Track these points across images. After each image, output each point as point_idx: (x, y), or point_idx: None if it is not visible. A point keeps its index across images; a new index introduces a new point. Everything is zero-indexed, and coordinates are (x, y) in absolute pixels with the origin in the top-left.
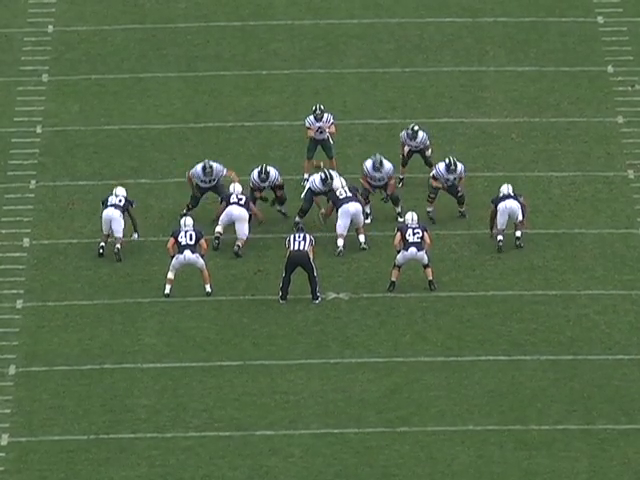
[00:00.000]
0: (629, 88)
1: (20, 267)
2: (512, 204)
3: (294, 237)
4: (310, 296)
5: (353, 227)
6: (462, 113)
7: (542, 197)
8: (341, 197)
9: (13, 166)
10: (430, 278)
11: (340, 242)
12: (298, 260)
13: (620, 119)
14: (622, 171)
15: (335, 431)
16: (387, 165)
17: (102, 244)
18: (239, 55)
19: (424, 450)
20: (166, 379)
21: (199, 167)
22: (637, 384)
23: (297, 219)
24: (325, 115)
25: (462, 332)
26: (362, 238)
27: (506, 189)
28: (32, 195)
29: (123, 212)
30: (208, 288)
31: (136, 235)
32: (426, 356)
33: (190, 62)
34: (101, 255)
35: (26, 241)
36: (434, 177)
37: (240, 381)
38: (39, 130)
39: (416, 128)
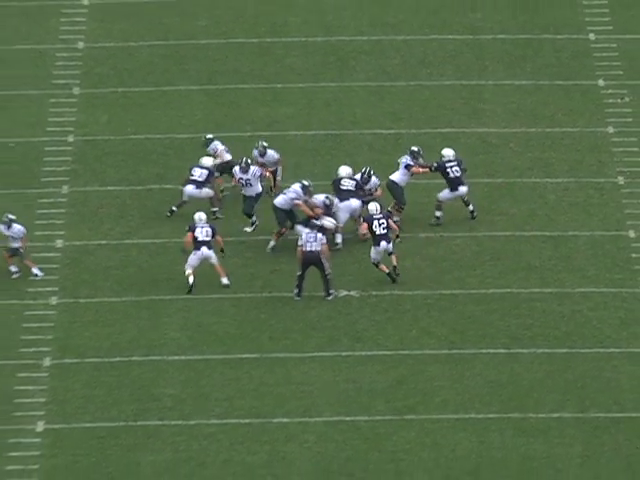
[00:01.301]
0: (619, 100)
1: (54, 266)
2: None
3: (306, 237)
4: (323, 293)
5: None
6: (463, 124)
7: (538, 202)
8: (344, 190)
9: (46, 173)
10: (395, 264)
11: (339, 238)
12: (311, 260)
13: (610, 129)
14: (612, 178)
15: (346, 419)
16: (373, 179)
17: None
18: (256, 69)
19: (429, 436)
20: (189, 370)
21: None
22: (627, 375)
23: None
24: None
25: (464, 327)
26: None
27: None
28: (64, 200)
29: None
30: (226, 280)
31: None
32: (431, 349)
33: (211, 76)
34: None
35: (59, 242)
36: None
37: (258, 372)
38: (71, 139)
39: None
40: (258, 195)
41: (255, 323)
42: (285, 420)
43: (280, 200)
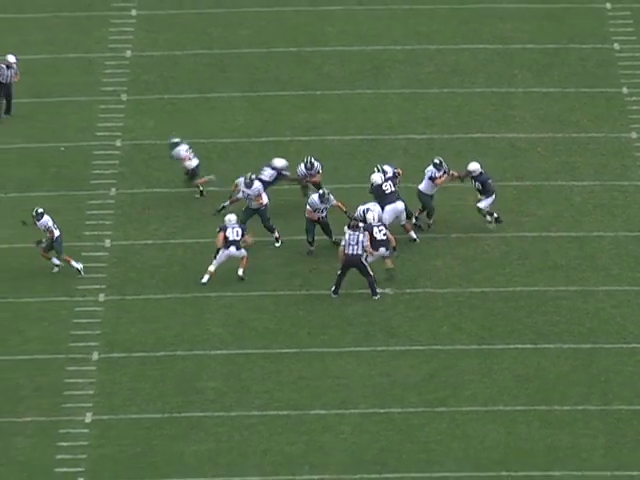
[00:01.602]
0: None
1: (102, 265)
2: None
3: (348, 240)
4: (365, 291)
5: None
6: (493, 129)
7: (564, 204)
8: (388, 194)
9: (95, 176)
10: (391, 266)
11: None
12: (352, 263)
13: (634, 135)
14: (636, 181)
15: (381, 411)
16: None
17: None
18: (296, 77)
19: (459, 428)
20: (231, 364)
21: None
22: None
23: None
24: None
25: (493, 323)
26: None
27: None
28: (112, 201)
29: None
30: (241, 272)
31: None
32: (461, 344)
33: (252, 83)
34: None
35: (107, 242)
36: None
37: (297, 366)
38: (118, 144)
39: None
40: (266, 206)
41: (294, 319)
42: (322, 412)
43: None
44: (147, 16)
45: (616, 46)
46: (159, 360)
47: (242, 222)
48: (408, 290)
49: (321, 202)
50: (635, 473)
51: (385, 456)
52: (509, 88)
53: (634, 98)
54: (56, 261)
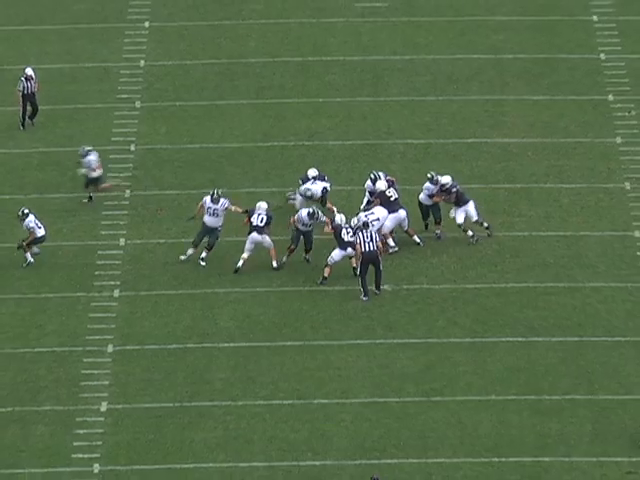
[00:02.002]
0: (626, 114)
1: (117, 262)
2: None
3: (363, 238)
4: (374, 288)
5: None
6: (486, 134)
7: (553, 205)
8: (392, 202)
9: (111, 178)
10: (354, 265)
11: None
12: (370, 259)
13: (619, 140)
14: (620, 183)
15: (380, 400)
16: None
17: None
18: (299, 85)
19: (454, 416)
20: (238, 356)
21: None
22: (632, 361)
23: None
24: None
25: (486, 318)
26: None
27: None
28: (127, 202)
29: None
30: (275, 264)
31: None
32: (456, 338)
33: (258, 91)
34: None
35: (122, 241)
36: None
37: (300, 358)
38: (133, 148)
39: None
40: (219, 229)
41: (298, 314)
42: (324, 401)
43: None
44: (159, 28)
45: (602, 56)
46: (170, 352)
47: (211, 246)
48: (405, 286)
49: (309, 219)
50: (619, 459)
51: (384, 443)
52: (501, 96)
53: (619, 105)
54: (30, 257)
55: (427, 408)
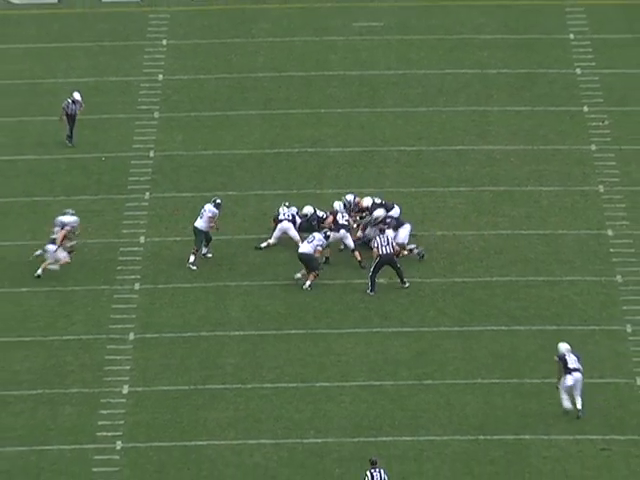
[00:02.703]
0: (600, 123)
1: (137, 259)
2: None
3: (380, 242)
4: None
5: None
6: (473, 142)
7: (534, 206)
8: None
9: (132, 182)
10: (360, 259)
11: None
12: (387, 261)
13: (593, 147)
14: (594, 186)
15: (376, 383)
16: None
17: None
18: (303, 98)
19: (443, 398)
20: (247, 344)
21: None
22: (606, 349)
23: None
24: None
25: (473, 309)
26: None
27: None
28: (146, 204)
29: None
30: (307, 284)
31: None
32: (445, 327)
33: (266, 103)
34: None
35: (142, 239)
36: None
37: (304, 345)
38: (152, 154)
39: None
40: (206, 232)
41: (302, 305)
42: (326, 384)
43: (306, 249)
44: (176, 45)
45: (578, 71)
46: (186, 340)
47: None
48: (399, 280)
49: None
50: (594, 437)
51: (380, 422)
52: (486, 107)
53: (593, 115)
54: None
55: (419, 390)
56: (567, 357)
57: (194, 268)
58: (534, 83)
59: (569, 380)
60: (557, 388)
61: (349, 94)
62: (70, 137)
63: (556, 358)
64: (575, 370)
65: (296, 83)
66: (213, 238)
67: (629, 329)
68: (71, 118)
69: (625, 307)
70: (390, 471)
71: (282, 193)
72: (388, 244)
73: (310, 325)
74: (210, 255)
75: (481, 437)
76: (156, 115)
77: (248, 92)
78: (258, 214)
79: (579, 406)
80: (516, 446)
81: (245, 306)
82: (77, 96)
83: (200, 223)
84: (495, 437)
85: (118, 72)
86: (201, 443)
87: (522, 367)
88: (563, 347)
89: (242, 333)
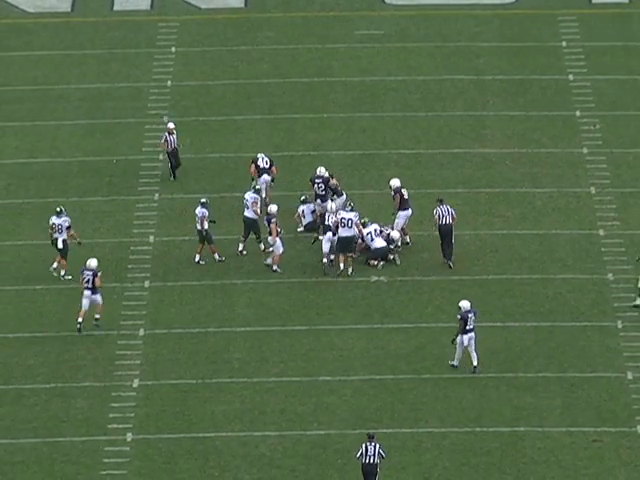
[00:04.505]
0: (592, 127)
1: (147, 257)
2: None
3: (440, 212)
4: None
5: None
6: (469, 145)
7: (528, 207)
8: (406, 200)
9: (142, 183)
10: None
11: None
12: (446, 232)
13: (585, 150)
14: (586, 188)
15: (376, 377)
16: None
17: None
18: (307, 103)
19: (441, 391)
20: (253, 339)
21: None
22: (597, 344)
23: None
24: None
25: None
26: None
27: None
28: (156, 204)
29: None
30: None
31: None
32: (443, 323)
33: (271, 108)
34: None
35: (151, 238)
36: None
37: (307, 340)
38: (161, 157)
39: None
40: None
41: (305, 302)
42: (328, 378)
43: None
44: (185, 52)
45: (570, 77)
46: (194, 335)
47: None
48: (399, 278)
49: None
50: (586, 429)
51: (380, 415)
52: (482, 112)
53: (585, 120)
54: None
55: (418, 384)
56: (468, 317)
57: (244, 253)
58: (528, 89)
59: (465, 340)
60: (453, 342)
61: (350, 99)
62: (174, 174)
63: (458, 316)
64: (470, 330)
65: (299, 89)
66: (218, 238)
67: (620, 325)
68: (173, 154)
69: (616, 304)
70: (390, 461)
71: (286, 194)
72: (449, 214)
73: (313, 321)
74: (245, 252)
75: (477, 429)
76: (165, 120)
77: (253, 98)
78: (263, 214)
79: (475, 362)
80: (511, 438)
81: (251, 303)
82: (172, 125)
83: (249, 213)
84: (491, 429)
85: (129, 78)
86: (208, 435)
87: (516, 362)
88: (465, 305)
89: (248, 329)
